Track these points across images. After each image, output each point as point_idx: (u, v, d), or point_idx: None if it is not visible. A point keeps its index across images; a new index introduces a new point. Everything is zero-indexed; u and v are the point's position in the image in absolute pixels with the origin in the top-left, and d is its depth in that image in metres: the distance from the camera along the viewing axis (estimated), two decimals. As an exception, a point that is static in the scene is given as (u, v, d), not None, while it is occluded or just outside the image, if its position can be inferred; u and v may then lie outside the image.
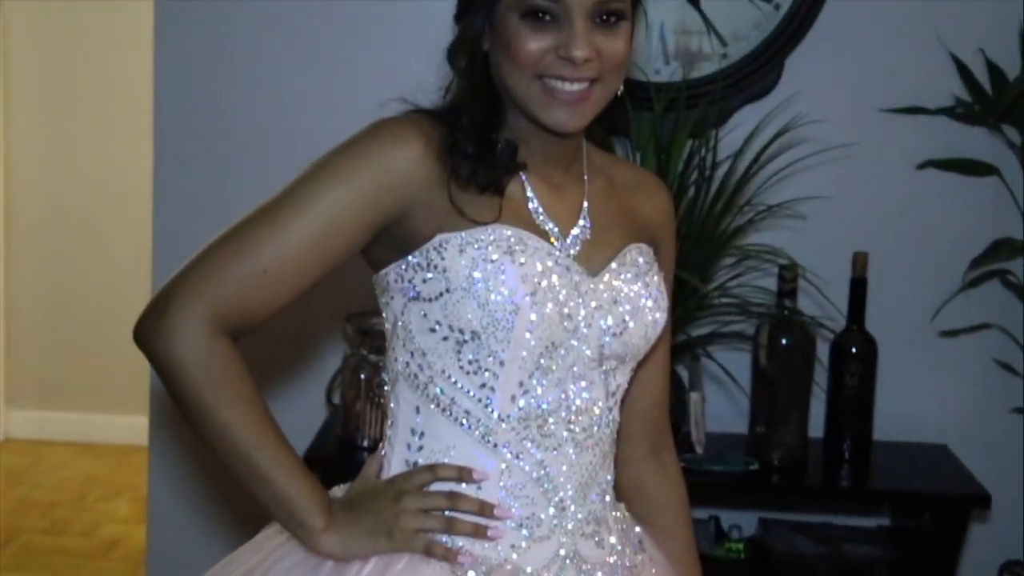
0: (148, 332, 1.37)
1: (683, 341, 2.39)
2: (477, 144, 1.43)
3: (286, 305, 1.40)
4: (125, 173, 4.40)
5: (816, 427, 2.49)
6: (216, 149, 2.62)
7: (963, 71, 2.54)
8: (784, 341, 2.43)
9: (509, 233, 1.41)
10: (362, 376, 2.36)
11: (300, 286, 1.39)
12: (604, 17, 1.41)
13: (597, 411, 1.47)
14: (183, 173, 2.63)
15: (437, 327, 1.40)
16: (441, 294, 1.39)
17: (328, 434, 2.45)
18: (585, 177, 1.53)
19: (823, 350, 2.49)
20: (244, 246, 1.37)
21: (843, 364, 2.48)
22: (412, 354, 1.43)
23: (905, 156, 2.58)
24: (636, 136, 2.41)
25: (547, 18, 1.40)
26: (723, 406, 2.58)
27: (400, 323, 1.44)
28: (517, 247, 1.40)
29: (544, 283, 1.40)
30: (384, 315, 1.47)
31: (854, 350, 2.47)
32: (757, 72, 2.56)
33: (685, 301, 2.35)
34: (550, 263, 1.41)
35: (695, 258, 2.35)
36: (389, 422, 1.48)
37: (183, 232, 2.52)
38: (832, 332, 2.47)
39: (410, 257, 1.41)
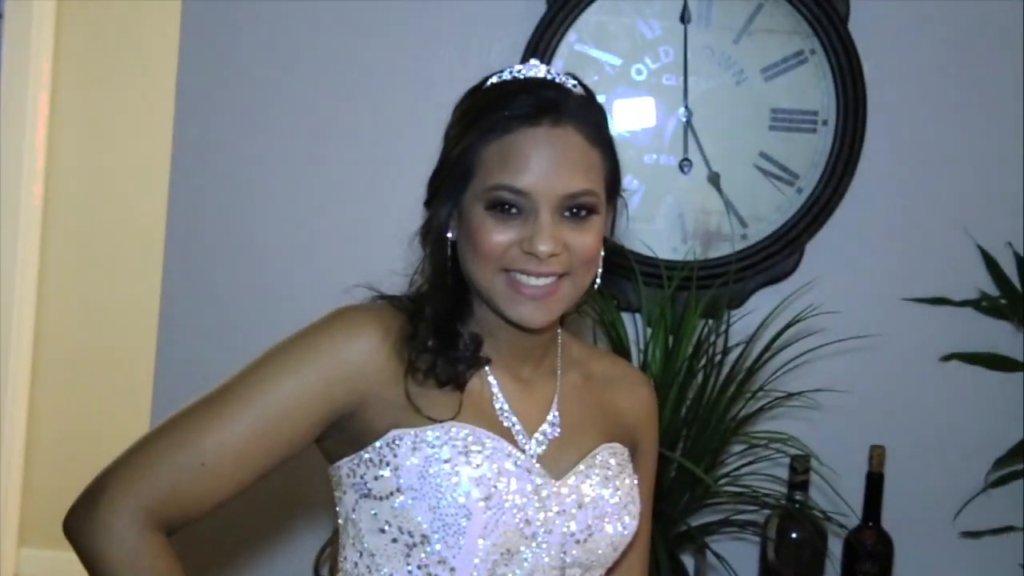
0: (77, 526, 1.31)
1: (685, 531, 2.30)
2: (438, 336, 1.39)
3: (228, 499, 1.34)
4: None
5: (827, 628, 2.37)
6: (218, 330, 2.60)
7: (990, 263, 2.47)
8: (794, 535, 2.34)
9: (466, 432, 1.35)
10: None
11: (242, 480, 1.34)
12: (573, 211, 1.37)
13: (559, 623, 1.39)
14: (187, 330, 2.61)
15: (387, 527, 1.35)
16: (392, 493, 1.34)
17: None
18: (558, 372, 1.48)
19: (835, 546, 2.38)
20: (183, 437, 1.32)
21: (857, 563, 2.37)
22: (361, 554, 1.37)
23: (927, 348, 2.50)
24: (647, 313, 2.36)
25: (513, 210, 1.36)
26: (729, 600, 2.47)
27: (351, 520, 1.38)
28: (473, 447, 1.34)
29: (500, 486, 1.34)
30: (337, 510, 1.42)
31: (869, 548, 2.36)
32: (776, 255, 2.52)
33: (692, 489, 2.27)
34: (508, 465, 1.35)
35: (703, 444, 2.28)
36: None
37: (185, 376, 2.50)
38: (844, 528, 2.36)
39: (363, 452, 1.36)
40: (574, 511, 1.39)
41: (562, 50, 2.52)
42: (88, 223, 4.24)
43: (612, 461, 1.45)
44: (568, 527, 1.38)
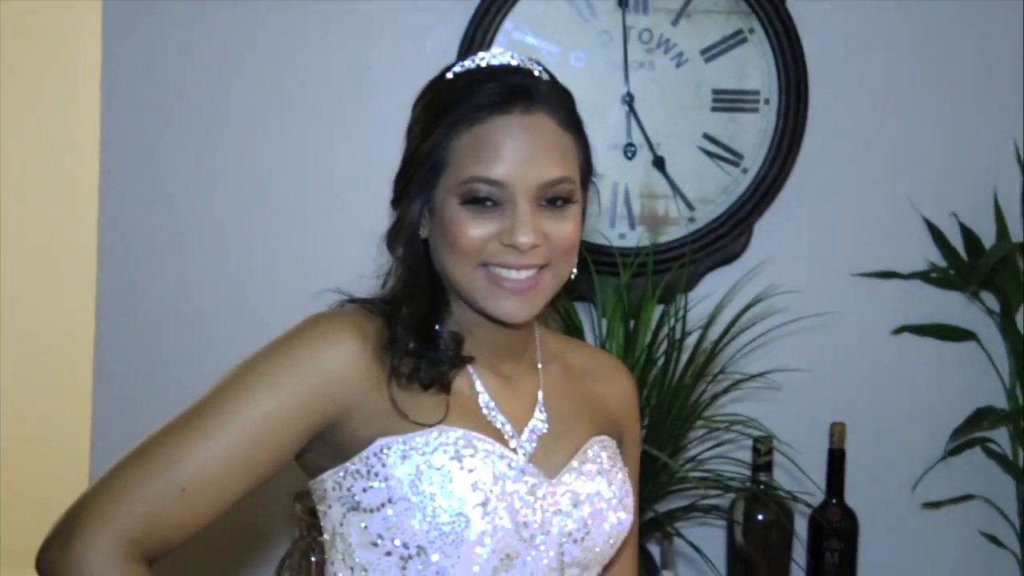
0: (51, 562, 1.23)
1: (652, 517, 2.28)
2: (418, 338, 1.34)
3: (210, 522, 1.28)
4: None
5: (797, 607, 2.37)
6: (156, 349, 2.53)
7: (936, 235, 2.48)
8: (760, 517, 2.33)
9: (457, 436, 1.30)
10: (313, 559, 2.22)
11: (225, 502, 1.27)
12: (551, 200, 1.33)
13: (559, 624, 1.35)
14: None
15: (379, 541, 1.29)
16: (383, 504, 1.28)
17: (279, 622, 2.30)
18: (539, 366, 1.44)
19: (801, 525, 2.38)
20: (160, 462, 1.25)
21: (823, 540, 2.37)
22: (352, 570, 1.32)
23: (880, 322, 2.51)
24: (602, 303, 2.33)
25: (489, 203, 1.32)
26: (698, 586, 2.46)
27: (339, 535, 1.33)
28: (465, 451, 1.29)
29: (496, 490, 1.29)
30: (322, 524, 1.36)
31: (834, 525, 2.36)
32: (725, 237, 2.50)
33: (656, 476, 2.24)
34: (503, 467, 1.31)
35: (666, 431, 2.25)
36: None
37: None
38: (810, 507, 2.36)
39: (349, 464, 1.31)
40: (570, 509, 1.35)
41: (500, 40, 2.48)
42: (12, 234, 4.12)
43: (604, 455, 1.41)
44: (565, 526, 1.34)
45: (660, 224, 2.51)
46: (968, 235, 2.46)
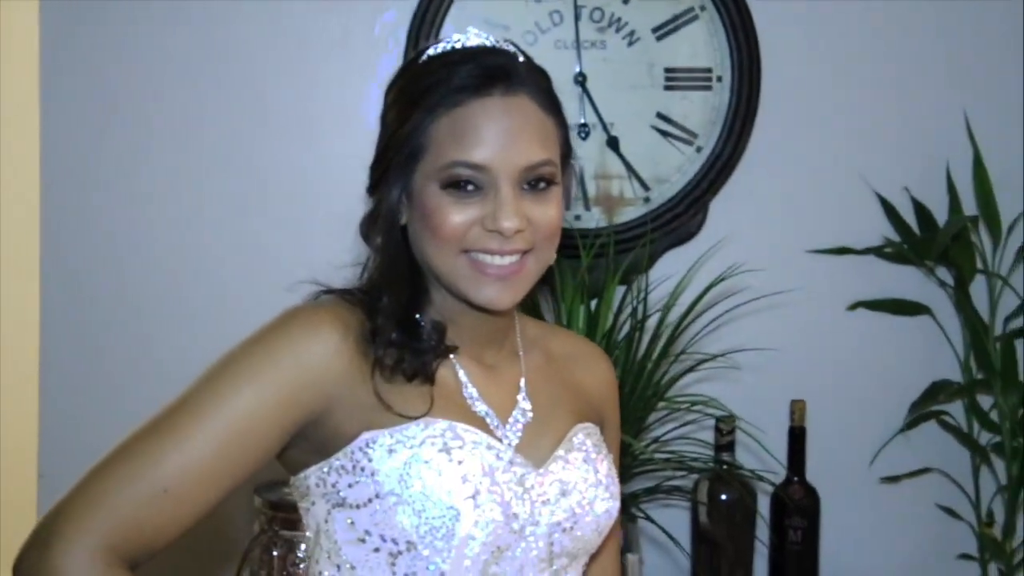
0: (30, 572, 1.17)
1: (619, 501, 2.26)
2: (401, 328, 1.30)
3: (194, 524, 1.23)
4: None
5: (761, 585, 2.37)
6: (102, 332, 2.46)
7: (889, 210, 2.49)
8: (724, 497, 2.32)
9: (443, 427, 1.27)
10: (275, 554, 2.17)
11: (208, 502, 1.22)
12: (533, 183, 1.30)
13: (546, 616, 1.32)
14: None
15: (367, 537, 1.25)
16: (370, 500, 1.24)
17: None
18: (520, 353, 1.41)
19: (764, 504, 2.37)
20: (139, 464, 1.19)
21: (785, 518, 2.37)
22: (339, 568, 1.28)
23: (836, 299, 2.51)
24: (561, 286, 2.31)
25: (471, 187, 1.28)
26: (663, 568, 2.44)
27: (324, 532, 1.29)
28: (454, 443, 1.26)
29: (486, 482, 1.26)
30: (304, 522, 1.32)
31: (795, 503, 2.36)
32: (682, 216, 2.49)
33: (619, 458, 2.22)
34: (491, 458, 1.28)
35: (629, 412, 2.23)
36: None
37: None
38: (773, 485, 2.36)
39: (333, 459, 1.27)
40: (558, 499, 1.33)
41: (449, 20, 2.44)
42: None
43: (589, 442, 1.39)
44: (554, 516, 1.32)
45: (615, 205, 2.49)
46: (920, 209, 2.47)
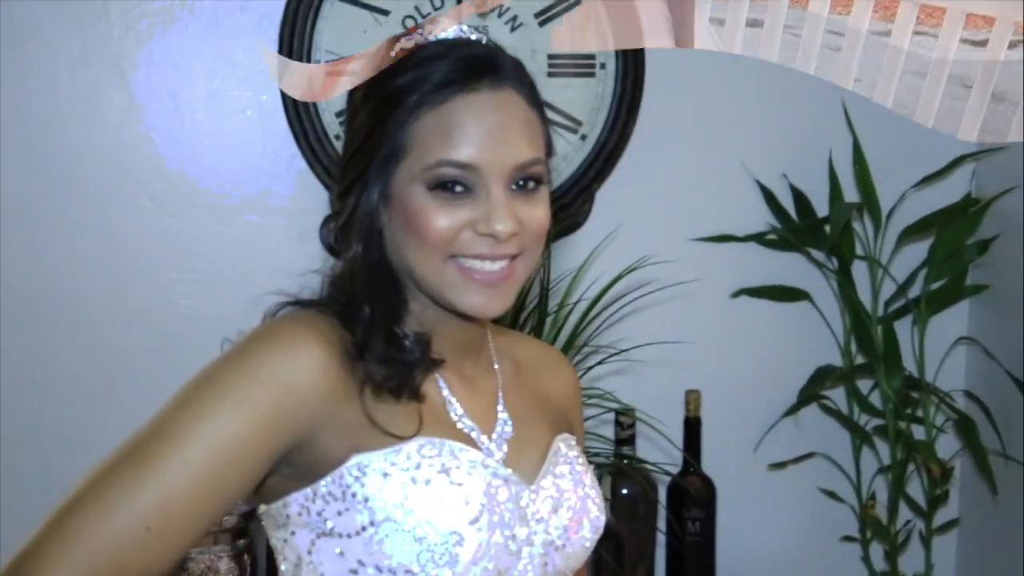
0: None
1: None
2: (387, 341, 1.19)
3: (180, 557, 1.10)
4: None
5: (660, 578, 2.35)
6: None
7: (769, 197, 2.49)
8: (625, 491, 2.29)
9: (438, 446, 1.17)
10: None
11: (192, 536, 1.10)
12: (522, 183, 1.22)
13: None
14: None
15: (360, 568, 1.15)
16: (364, 528, 1.14)
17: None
18: (496, 365, 1.32)
19: (664, 495, 2.35)
20: (117, 499, 1.06)
21: (683, 509, 2.35)
22: (326, 600, 1.17)
23: (721, 287, 2.50)
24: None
25: (459, 188, 1.19)
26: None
27: (306, 564, 1.17)
28: (451, 463, 1.17)
29: (486, 503, 1.17)
30: (282, 554, 1.20)
31: (692, 493, 2.35)
32: (569, 206, 2.43)
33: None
34: (487, 476, 1.19)
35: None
36: None
37: None
38: (670, 475, 2.33)
39: (320, 485, 1.16)
40: (550, 516, 1.25)
41: (326, 7, 2.32)
42: None
43: (572, 454, 1.32)
44: (548, 534, 1.24)
45: (502, 195, 2.42)
46: (799, 197, 2.49)
